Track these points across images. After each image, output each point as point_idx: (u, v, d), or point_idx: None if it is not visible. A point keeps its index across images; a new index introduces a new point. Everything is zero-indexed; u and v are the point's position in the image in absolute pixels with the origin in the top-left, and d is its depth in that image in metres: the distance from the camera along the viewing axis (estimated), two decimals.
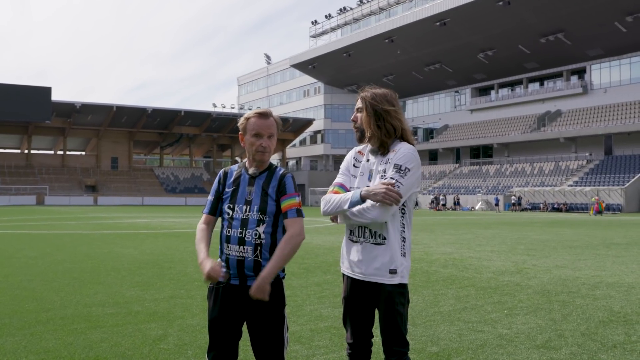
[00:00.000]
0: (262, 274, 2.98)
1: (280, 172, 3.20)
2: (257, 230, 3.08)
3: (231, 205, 3.14)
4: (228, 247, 3.11)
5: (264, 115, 3.15)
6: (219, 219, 3.27)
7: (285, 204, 3.14)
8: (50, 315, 6.41)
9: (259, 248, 3.07)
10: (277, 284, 3.12)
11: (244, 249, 3.06)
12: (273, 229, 3.12)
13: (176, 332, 5.64)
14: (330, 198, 3.19)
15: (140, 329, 5.79)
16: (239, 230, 3.08)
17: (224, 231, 3.15)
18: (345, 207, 3.07)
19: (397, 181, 3.02)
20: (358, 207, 3.05)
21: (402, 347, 3.10)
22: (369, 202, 3.02)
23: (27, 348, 5.06)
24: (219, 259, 3.16)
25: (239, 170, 3.24)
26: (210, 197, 3.27)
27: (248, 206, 3.11)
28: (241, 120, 3.19)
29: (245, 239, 3.07)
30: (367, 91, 3.27)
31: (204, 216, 3.28)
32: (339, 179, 3.31)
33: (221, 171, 3.30)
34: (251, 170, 3.17)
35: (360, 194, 3.02)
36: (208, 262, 3.02)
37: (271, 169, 3.20)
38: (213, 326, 3.13)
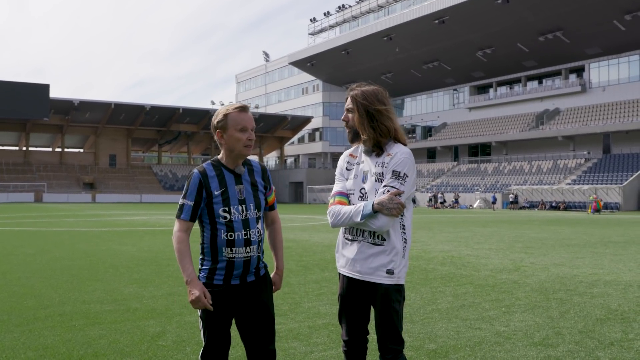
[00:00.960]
0: (281, 268, 3.35)
1: (258, 165, 3.25)
2: (258, 228, 3.11)
3: (226, 208, 3.02)
4: (232, 250, 3.02)
5: (244, 109, 3.09)
6: (204, 224, 3.09)
7: (272, 197, 3.29)
8: (49, 312, 6.43)
9: (260, 244, 3.13)
10: (266, 272, 3.26)
11: (250, 248, 3.06)
12: (262, 223, 3.19)
13: (174, 329, 5.64)
14: (340, 210, 3.13)
15: (138, 325, 5.80)
16: (243, 232, 3.04)
17: (222, 236, 3.02)
18: (357, 219, 3.04)
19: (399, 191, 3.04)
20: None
21: (397, 344, 3.10)
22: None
23: (26, 344, 5.07)
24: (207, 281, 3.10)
25: (218, 170, 3.08)
26: (188, 202, 3.01)
27: (243, 206, 3.06)
28: (219, 118, 3.06)
29: (251, 239, 3.06)
30: (357, 89, 3.21)
31: (181, 222, 3.03)
32: (337, 187, 3.27)
33: (196, 173, 3.04)
34: (238, 169, 3.11)
35: (373, 208, 3.00)
36: (198, 286, 2.96)
37: (247, 162, 3.20)
38: (215, 329, 3.07)
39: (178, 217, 3.05)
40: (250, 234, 3.05)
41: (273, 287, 3.30)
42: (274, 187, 3.33)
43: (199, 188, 3.03)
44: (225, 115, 3.05)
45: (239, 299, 3.08)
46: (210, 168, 3.08)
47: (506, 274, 9.67)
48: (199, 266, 3.14)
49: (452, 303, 7.09)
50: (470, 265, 10.73)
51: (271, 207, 3.31)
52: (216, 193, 3.03)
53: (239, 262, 3.04)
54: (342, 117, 3.27)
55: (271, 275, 3.31)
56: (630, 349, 5.02)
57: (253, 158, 3.30)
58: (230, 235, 3.02)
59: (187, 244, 3.05)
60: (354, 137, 3.24)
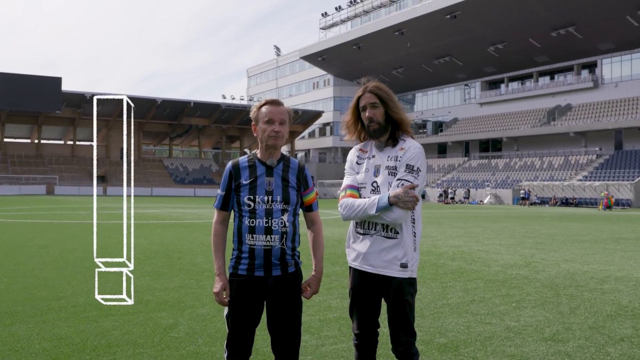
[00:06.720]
0: (318, 270, 3.29)
1: (297, 163, 3.28)
2: (282, 219, 3.13)
3: (251, 197, 3.11)
4: (252, 237, 3.10)
5: (274, 102, 3.21)
6: (235, 213, 3.23)
7: (309, 197, 3.29)
8: (63, 303, 6.50)
9: (284, 236, 3.14)
10: (298, 271, 3.26)
11: (270, 237, 3.09)
12: (293, 217, 3.20)
13: (186, 321, 5.70)
14: (353, 203, 3.16)
15: (151, 317, 5.87)
16: (265, 220, 3.09)
17: (246, 222, 3.11)
18: (372, 212, 3.07)
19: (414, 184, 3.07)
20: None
21: (409, 336, 3.14)
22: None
23: (40, 335, 5.14)
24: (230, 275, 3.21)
25: (251, 162, 3.19)
26: (220, 192, 3.22)
27: (269, 197, 3.12)
28: (253, 110, 3.21)
29: (272, 227, 3.10)
30: (370, 84, 3.26)
31: (218, 213, 3.25)
32: (348, 180, 3.29)
33: (230, 164, 3.23)
34: (269, 161, 3.18)
35: (389, 200, 3.03)
36: (221, 282, 3.15)
37: (285, 159, 3.25)
38: (236, 319, 3.14)
39: (214, 205, 3.26)
40: (272, 223, 3.10)
41: (309, 288, 3.30)
42: (313, 187, 3.34)
43: (229, 179, 3.19)
44: (258, 108, 3.20)
45: (264, 292, 3.13)
46: (245, 160, 3.23)
47: (517, 269, 9.67)
48: (231, 256, 3.24)
49: (462, 298, 7.11)
50: (480, 261, 10.73)
51: (309, 208, 3.31)
52: (245, 182, 3.14)
53: (259, 250, 3.09)
54: (367, 115, 3.23)
55: (308, 278, 3.33)
56: None
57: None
58: (252, 222, 3.10)
59: (221, 236, 3.23)
60: (380, 133, 3.24)
